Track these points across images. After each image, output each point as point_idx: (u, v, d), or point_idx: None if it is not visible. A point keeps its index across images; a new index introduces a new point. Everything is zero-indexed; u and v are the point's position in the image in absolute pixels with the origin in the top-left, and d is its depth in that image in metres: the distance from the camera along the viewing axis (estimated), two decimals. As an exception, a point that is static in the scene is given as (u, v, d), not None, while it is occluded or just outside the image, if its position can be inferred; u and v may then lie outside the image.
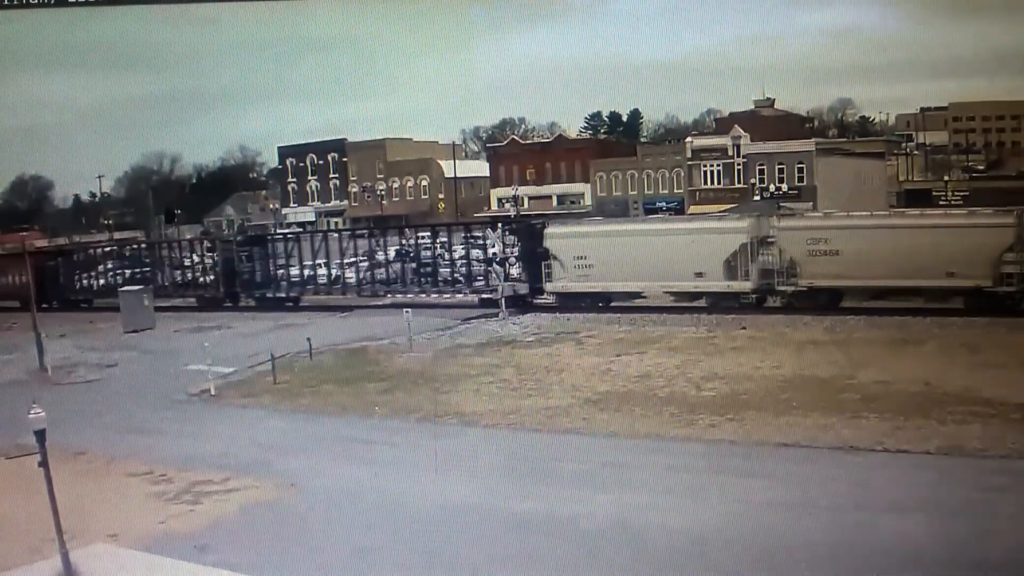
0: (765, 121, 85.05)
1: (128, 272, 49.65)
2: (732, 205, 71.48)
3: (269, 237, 51.42)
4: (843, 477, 16.57)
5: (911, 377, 22.73)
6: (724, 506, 15.51)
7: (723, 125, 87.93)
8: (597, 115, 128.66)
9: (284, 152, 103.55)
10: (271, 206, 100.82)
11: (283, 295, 44.99)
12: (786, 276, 34.40)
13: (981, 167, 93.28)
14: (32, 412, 13.65)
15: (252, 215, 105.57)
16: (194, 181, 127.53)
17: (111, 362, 34.02)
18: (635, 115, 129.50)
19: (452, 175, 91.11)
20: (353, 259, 44.13)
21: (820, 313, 33.01)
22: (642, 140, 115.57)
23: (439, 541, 14.81)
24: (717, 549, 13.86)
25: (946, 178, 78.98)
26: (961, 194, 67.41)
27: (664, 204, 79.67)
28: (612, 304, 37.47)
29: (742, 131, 78.16)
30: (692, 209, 76.21)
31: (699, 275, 35.17)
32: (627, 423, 20.88)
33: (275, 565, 14.25)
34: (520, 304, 38.55)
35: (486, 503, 16.45)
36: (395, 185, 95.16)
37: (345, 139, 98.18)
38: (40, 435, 13.65)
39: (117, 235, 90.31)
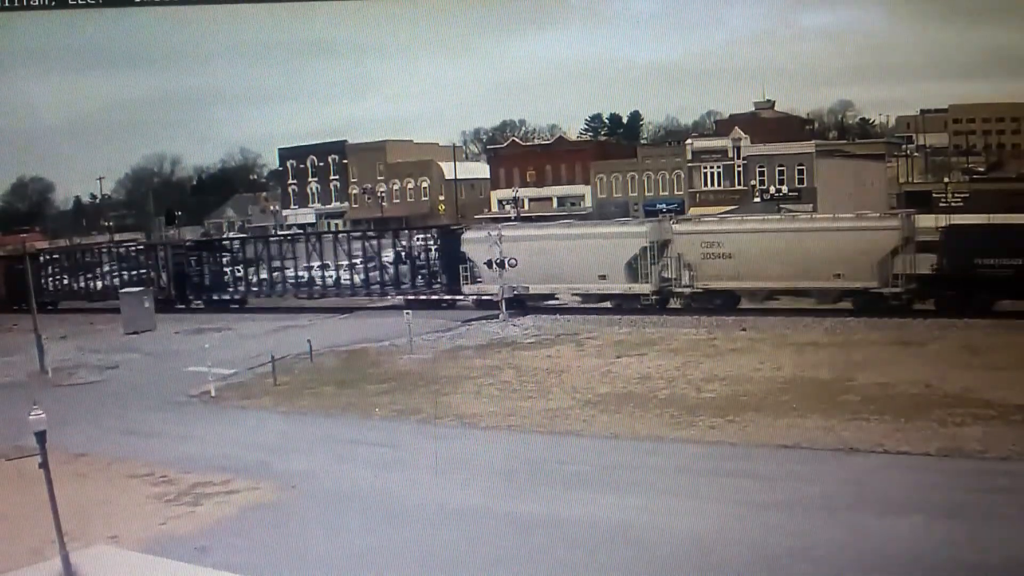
0: (765, 123, 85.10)
1: (89, 276, 51.54)
2: (733, 207, 71.57)
3: (216, 243, 53.42)
4: (844, 479, 16.56)
5: (911, 379, 22.75)
6: (725, 508, 15.50)
7: (723, 127, 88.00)
8: (597, 117, 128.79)
9: (285, 154, 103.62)
10: (272, 208, 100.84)
11: (228, 297, 46.81)
12: (683, 278, 35.94)
13: (981, 169, 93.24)
14: (32, 414, 13.64)
15: (253, 217, 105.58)
16: (195, 183, 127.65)
17: (112, 364, 34.02)
18: (635, 117, 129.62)
19: (452, 177, 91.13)
20: (293, 263, 46.25)
21: (706, 314, 34.52)
22: (642, 142, 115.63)
23: (439, 543, 14.81)
24: (718, 551, 13.86)
25: (946, 180, 78.92)
26: (961, 196, 67.36)
27: (664, 206, 79.65)
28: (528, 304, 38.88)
29: (742, 133, 78.20)
30: (692, 211, 76.25)
31: (603, 278, 36.72)
32: (627, 425, 20.88)
33: (275, 567, 14.23)
34: (436, 305, 40.53)
35: (486, 505, 16.45)
36: (395, 187, 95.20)
37: (346, 141, 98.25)
38: (41, 436, 13.63)
39: (118, 237, 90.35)
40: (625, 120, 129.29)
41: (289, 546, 14.96)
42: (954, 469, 16.62)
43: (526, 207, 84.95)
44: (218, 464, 19.70)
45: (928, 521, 14.31)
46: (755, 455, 18.19)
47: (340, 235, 50.38)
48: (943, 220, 37.02)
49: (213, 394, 27.03)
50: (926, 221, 36.23)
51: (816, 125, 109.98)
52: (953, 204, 62.66)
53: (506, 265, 36.86)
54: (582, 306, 38.01)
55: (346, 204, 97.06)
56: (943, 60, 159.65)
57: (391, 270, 42.91)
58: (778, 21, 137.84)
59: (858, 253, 32.77)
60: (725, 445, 18.98)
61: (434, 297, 41.15)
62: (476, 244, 39.74)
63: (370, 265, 43.49)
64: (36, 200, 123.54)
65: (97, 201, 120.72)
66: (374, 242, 44.97)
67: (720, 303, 35.53)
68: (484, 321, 36.87)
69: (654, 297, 36.77)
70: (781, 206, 64.61)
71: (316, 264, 44.91)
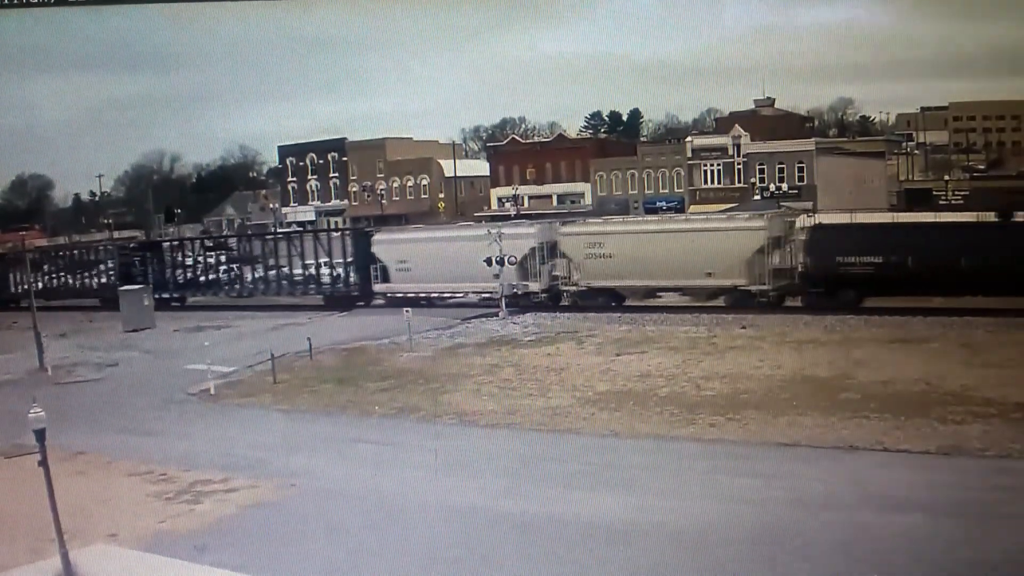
0: (765, 120, 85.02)
1: (47, 275, 53.35)
2: (733, 204, 71.54)
3: (158, 244, 55.51)
4: (843, 476, 16.55)
5: (911, 377, 22.74)
6: (725, 505, 15.49)
7: (723, 124, 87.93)
8: (597, 114, 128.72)
9: (284, 151, 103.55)
10: (271, 205, 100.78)
11: (168, 296, 48.62)
12: (569, 277, 37.92)
13: (982, 167, 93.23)
14: (32, 411, 13.64)
15: (252, 214, 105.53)
16: (194, 180, 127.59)
17: (111, 361, 34.01)
18: (635, 114, 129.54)
19: (452, 174, 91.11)
20: (225, 264, 49.29)
21: (610, 311, 35.92)
22: (642, 139, 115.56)
23: (438, 541, 14.79)
24: (718, 548, 13.85)
25: (946, 178, 78.97)
26: (962, 194, 67.42)
27: (664, 203, 79.67)
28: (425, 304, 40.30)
29: (742, 130, 78.16)
30: (692, 208, 76.24)
31: (496, 276, 37.91)
32: (627, 423, 20.88)
33: (275, 565, 14.23)
34: (350, 304, 42.56)
35: (486, 503, 16.44)
36: (395, 184, 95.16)
37: (345, 138, 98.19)
38: (40, 434, 13.63)
39: (117, 234, 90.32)
40: (625, 117, 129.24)
41: (289, 544, 14.95)
42: (954, 467, 16.62)
43: (526, 205, 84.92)
44: (217, 462, 19.69)
45: (928, 519, 14.30)
46: (755, 453, 18.19)
47: (270, 237, 53.35)
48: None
49: (212, 392, 27.01)
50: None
51: (816, 122, 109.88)
52: (953, 202, 62.72)
53: (413, 266, 40.07)
54: (484, 303, 39.39)
55: (346, 202, 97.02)
56: (944, 57, 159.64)
57: (312, 269, 45.04)
58: (778, 18, 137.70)
59: (727, 252, 34.44)
60: (725, 443, 18.97)
61: (353, 294, 43.20)
62: (384, 246, 42.16)
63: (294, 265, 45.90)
64: (35, 198, 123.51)
65: (97, 199, 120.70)
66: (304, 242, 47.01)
67: (603, 301, 37.38)
68: (484, 319, 36.89)
69: (543, 295, 38.64)
70: (781, 203, 64.61)
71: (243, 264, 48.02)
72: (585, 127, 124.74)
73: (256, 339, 35.44)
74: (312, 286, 44.92)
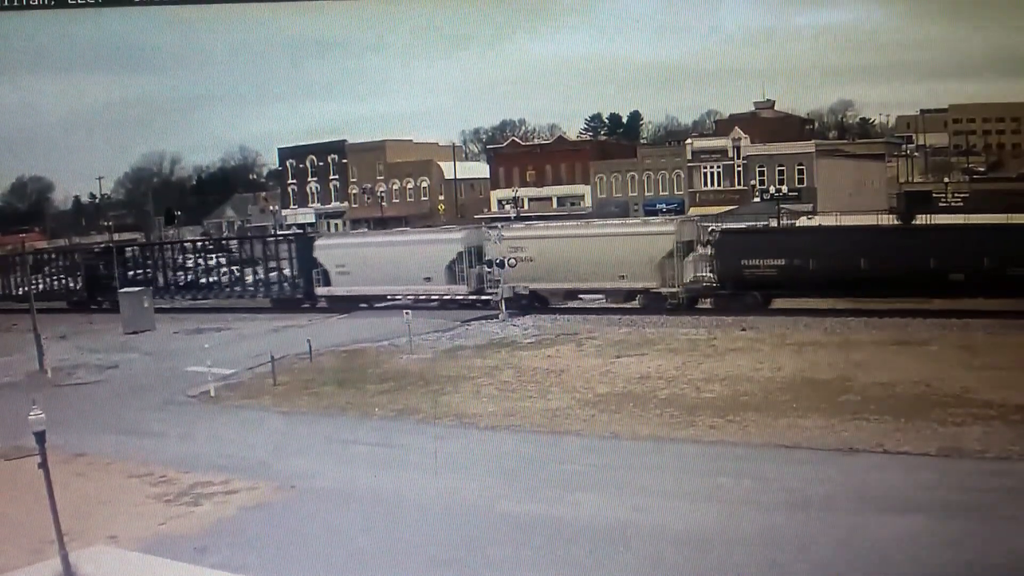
0: (765, 123, 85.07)
1: (15, 278, 53.87)
2: (733, 207, 71.57)
3: (120, 248, 56.62)
4: (844, 479, 16.55)
5: (911, 379, 22.74)
6: (725, 508, 15.49)
7: (723, 127, 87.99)
8: (597, 117, 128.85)
9: (284, 153, 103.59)
10: (271, 208, 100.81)
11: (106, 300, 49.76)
12: (493, 280, 38.87)
13: (981, 169, 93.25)
14: (32, 413, 13.64)
15: (252, 216, 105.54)
16: (194, 182, 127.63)
17: (111, 363, 33.99)
18: (635, 117, 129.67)
19: (452, 177, 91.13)
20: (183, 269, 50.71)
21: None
22: (642, 142, 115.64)
23: (438, 543, 14.79)
24: (718, 551, 13.85)
25: (946, 180, 78.99)
26: (961, 196, 67.43)
27: (664, 206, 79.69)
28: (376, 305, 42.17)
29: (742, 133, 78.20)
30: (692, 211, 76.24)
31: (427, 280, 40.17)
32: (627, 425, 20.87)
33: (275, 567, 14.23)
34: (295, 307, 44.09)
35: (486, 505, 16.44)
36: (395, 187, 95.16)
37: (345, 140, 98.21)
38: (40, 436, 13.63)
39: (117, 237, 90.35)
40: (625, 120, 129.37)
41: (288, 546, 14.95)
42: (954, 469, 16.61)
43: (526, 207, 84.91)
44: (217, 464, 19.68)
45: (928, 521, 14.30)
46: (755, 455, 18.18)
47: (229, 241, 56.29)
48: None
49: (212, 394, 27.01)
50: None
51: (816, 125, 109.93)
52: (953, 204, 62.75)
53: (351, 270, 41.83)
54: (425, 305, 40.72)
55: (345, 204, 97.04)
56: (943, 59, 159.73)
57: (261, 273, 47.08)
58: (778, 20, 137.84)
59: (639, 256, 36.12)
60: (725, 445, 18.97)
61: (298, 297, 44.79)
62: (325, 251, 44.05)
63: (246, 269, 48.11)
64: (36, 200, 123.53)
65: (97, 201, 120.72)
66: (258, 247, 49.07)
67: (527, 303, 38.95)
68: (484, 321, 36.92)
69: (471, 297, 39.99)
70: (781, 206, 64.67)
71: (199, 268, 49.81)
72: (585, 129, 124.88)
73: (256, 341, 35.44)
74: (262, 289, 46.68)
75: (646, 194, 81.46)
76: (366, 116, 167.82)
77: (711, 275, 36.14)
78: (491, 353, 30.67)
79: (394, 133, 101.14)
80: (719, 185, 78.12)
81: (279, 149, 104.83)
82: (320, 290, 43.75)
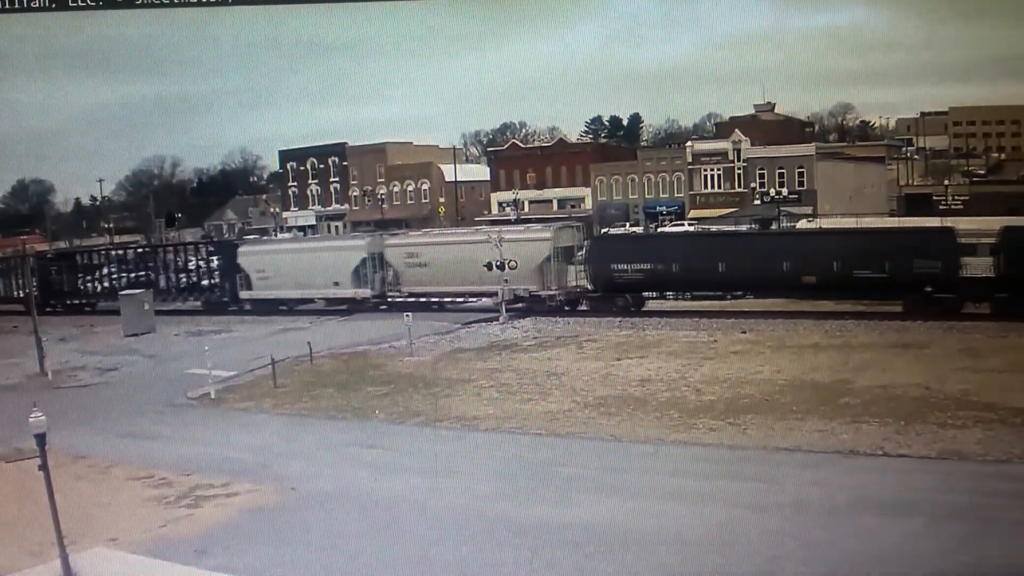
0: (765, 125, 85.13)
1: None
2: (733, 209, 71.61)
3: (71, 254, 58.58)
4: (844, 481, 16.55)
5: (911, 381, 22.74)
6: (725, 510, 15.49)
7: (723, 129, 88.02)
8: (597, 119, 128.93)
9: (285, 156, 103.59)
10: (272, 210, 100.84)
11: (79, 302, 51.74)
12: (393, 284, 41.95)
13: (981, 172, 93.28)
14: (32, 416, 13.65)
15: (252, 219, 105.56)
16: (195, 185, 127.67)
17: (112, 366, 34.00)
18: (635, 119, 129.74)
19: (453, 179, 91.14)
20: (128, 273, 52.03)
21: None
22: (642, 144, 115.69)
23: (438, 544, 14.79)
24: (718, 553, 13.85)
25: (946, 182, 79.00)
26: (961, 199, 67.45)
27: (664, 208, 79.70)
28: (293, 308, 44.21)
29: (742, 135, 78.21)
30: (692, 213, 76.28)
31: (336, 284, 42.54)
32: (628, 427, 20.87)
33: (275, 569, 14.23)
34: (223, 309, 45.77)
35: (486, 507, 16.43)
36: (396, 189, 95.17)
37: (346, 143, 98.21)
38: (40, 439, 13.65)
39: (118, 239, 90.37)
40: (625, 122, 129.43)
41: (289, 548, 14.95)
42: (955, 471, 16.61)
43: (526, 209, 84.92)
44: (218, 466, 19.68)
45: (928, 523, 14.30)
46: (755, 458, 18.18)
47: (168, 247, 57.36)
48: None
49: (213, 396, 27.00)
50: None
51: (816, 127, 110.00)
52: (953, 207, 62.78)
53: (270, 275, 44.18)
54: (336, 308, 43.07)
55: (346, 206, 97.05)
56: (944, 62, 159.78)
57: (195, 277, 49.08)
58: (779, 23, 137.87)
59: (520, 261, 38.16)
60: (725, 448, 18.97)
61: (224, 300, 46.49)
62: (247, 257, 46.12)
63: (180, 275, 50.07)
64: (36, 202, 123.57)
65: (97, 203, 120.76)
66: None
67: (425, 306, 40.60)
68: (484, 323, 36.94)
69: (374, 300, 42.18)
70: (781, 208, 64.69)
71: (141, 274, 51.37)
72: (585, 132, 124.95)
73: (256, 344, 35.44)
74: (195, 293, 48.59)
75: (646, 197, 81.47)
76: (366, 119, 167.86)
77: (583, 278, 38.25)
78: (491, 355, 30.67)
79: (395, 136, 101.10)
80: (719, 188, 78.09)
81: (280, 151, 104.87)
82: (244, 294, 45.77)
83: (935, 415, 19.78)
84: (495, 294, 38.77)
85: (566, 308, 37.99)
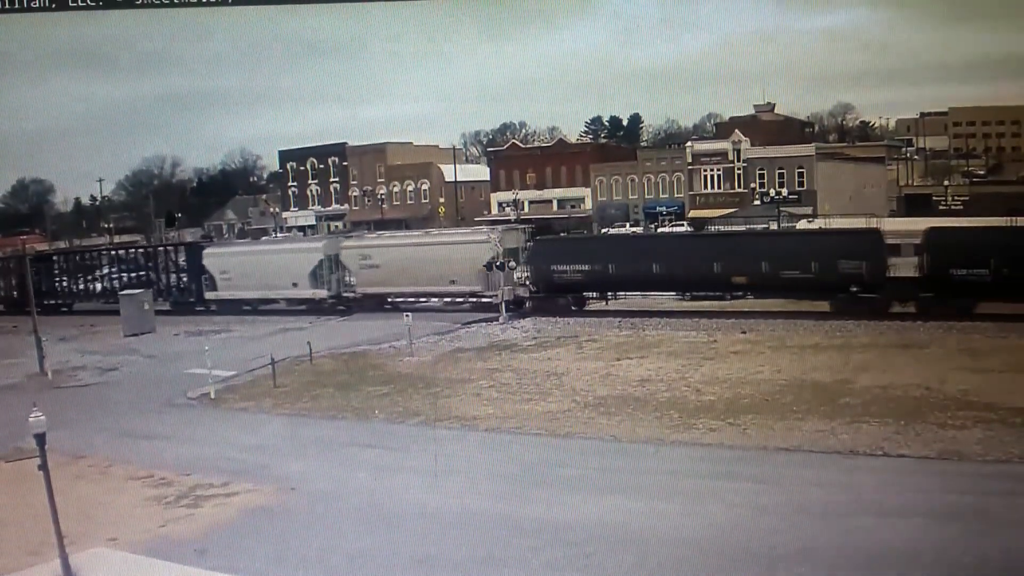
0: (765, 126, 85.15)
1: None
2: (733, 209, 71.61)
3: (49, 256, 59.77)
4: (843, 481, 16.55)
5: (911, 382, 22.74)
6: (725, 510, 15.49)
7: (723, 129, 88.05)
8: (597, 119, 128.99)
9: (285, 156, 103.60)
10: (272, 210, 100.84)
11: (55, 302, 52.88)
12: (348, 285, 43.45)
13: (981, 172, 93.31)
14: (32, 416, 13.64)
15: (252, 219, 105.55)
16: (195, 185, 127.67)
17: (112, 366, 34.00)
18: (635, 119, 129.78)
19: (452, 179, 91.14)
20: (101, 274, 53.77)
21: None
22: (642, 144, 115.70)
23: (438, 546, 14.79)
24: (718, 553, 13.85)
25: (946, 183, 79.04)
26: (961, 199, 67.49)
27: (664, 208, 79.70)
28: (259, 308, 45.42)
29: (742, 136, 78.21)
30: (692, 213, 76.30)
31: (295, 285, 44.14)
32: (627, 427, 20.87)
33: (275, 569, 14.23)
34: (190, 309, 46.99)
35: (486, 507, 16.43)
36: (395, 189, 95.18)
37: (346, 143, 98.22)
38: (40, 439, 13.64)
39: (118, 239, 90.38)
40: (625, 123, 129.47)
41: (288, 548, 14.95)
42: (954, 472, 16.61)
43: (526, 209, 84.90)
44: (217, 466, 19.68)
45: (928, 524, 14.30)
46: (755, 458, 18.18)
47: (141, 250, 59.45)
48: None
49: (213, 396, 27.00)
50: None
51: (816, 128, 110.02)
52: (953, 207, 62.80)
53: (232, 276, 45.79)
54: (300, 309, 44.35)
55: (346, 206, 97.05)
56: (944, 62, 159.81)
57: (164, 279, 50.37)
58: (779, 23, 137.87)
59: (465, 263, 39.77)
60: (725, 448, 18.97)
61: (190, 300, 47.88)
62: (211, 259, 47.69)
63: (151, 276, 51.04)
64: (36, 202, 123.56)
65: (97, 203, 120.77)
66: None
67: (377, 306, 42.14)
68: (484, 323, 36.95)
69: (331, 300, 43.63)
70: (781, 209, 64.69)
71: (114, 276, 52.91)
72: (585, 132, 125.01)
73: (256, 343, 35.45)
74: (163, 294, 49.52)
75: (646, 197, 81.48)
76: (366, 119, 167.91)
77: (525, 280, 39.76)
78: (491, 355, 30.67)
79: (395, 136, 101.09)
80: (719, 188, 78.10)
81: (280, 152, 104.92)
82: (209, 294, 47.29)
83: (935, 415, 19.78)
84: (450, 295, 40.58)
85: (511, 308, 38.61)
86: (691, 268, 36.13)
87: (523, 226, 47.52)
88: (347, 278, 43.56)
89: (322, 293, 43.83)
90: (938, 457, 17.40)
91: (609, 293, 38.82)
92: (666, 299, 39.32)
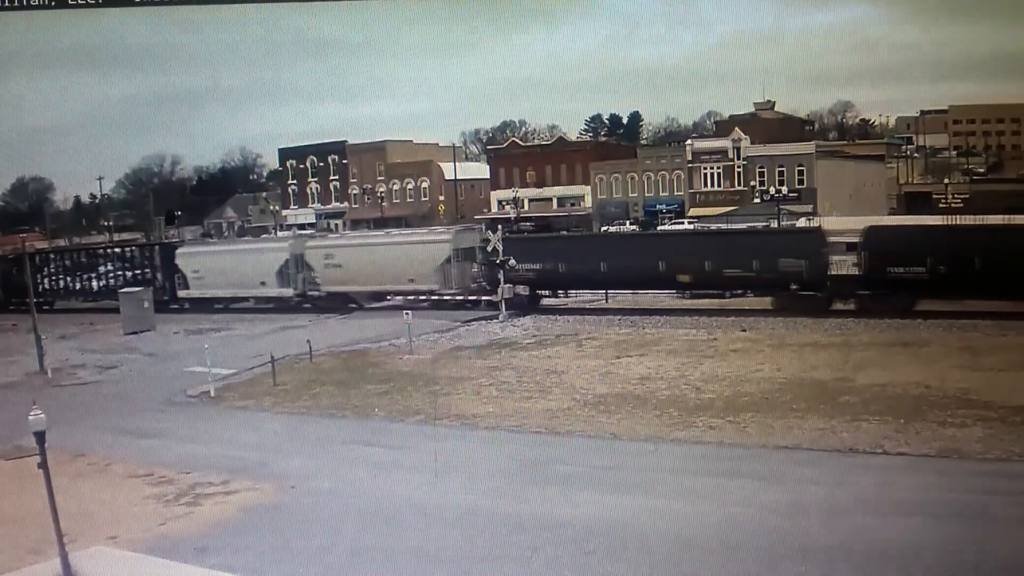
0: (765, 123, 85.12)
1: None
2: (733, 208, 71.61)
3: (34, 255, 59.87)
4: (843, 479, 16.55)
5: (911, 380, 22.73)
6: (725, 509, 15.49)
7: (723, 128, 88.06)
8: (597, 117, 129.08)
9: (285, 154, 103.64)
10: (272, 208, 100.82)
11: (38, 300, 52.44)
12: (313, 284, 44.65)
13: (981, 170, 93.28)
14: (32, 414, 13.63)
15: (252, 217, 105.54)
16: (195, 183, 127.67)
17: (111, 364, 34.00)
18: (635, 117, 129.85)
19: (452, 177, 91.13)
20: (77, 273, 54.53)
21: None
22: (642, 142, 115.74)
23: (438, 544, 14.79)
24: (718, 552, 13.84)
25: (946, 181, 79.02)
26: (961, 197, 67.45)
27: (664, 206, 79.69)
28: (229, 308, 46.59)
29: (742, 134, 78.20)
30: (692, 212, 76.29)
31: (262, 284, 45.57)
32: (627, 425, 20.86)
33: (274, 567, 14.22)
34: (163, 307, 46.89)
35: (486, 505, 16.43)
36: (395, 187, 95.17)
37: (345, 141, 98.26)
38: (40, 437, 13.62)
39: (118, 237, 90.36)
40: (625, 121, 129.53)
41: (288, 546, 14.94)
42: (954, 470, 16.60)
43: (526, 207, 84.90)
44: (217, 464, 19.66)
45: (928, 522, 14.29)
46: (755, 456, 18.17)
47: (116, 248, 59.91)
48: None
49: (212, 394, 27.00)
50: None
51: (816, 126, 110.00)
52: (953, 205, 62.76)
53: (204, 275, 47.03)
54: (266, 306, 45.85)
55: (346, 204, 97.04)
56: (944, 60, 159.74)
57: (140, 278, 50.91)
58: (779, 21, 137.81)
59: (422, 262, 41.20)
60: (725, 446, 18.96)
61: (165, 299, 48.46)
62: (184, 258, 49.05)
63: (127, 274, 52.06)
64: (36, 200, 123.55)
65: (97, 201, 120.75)
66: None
67: (341, 304, 43.36)
68: (484, 321, 36.95)
69: (297, 299, 44.93)
70: (781, 207, 64.68)
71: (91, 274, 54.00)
72: (585, 130, 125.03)
73: (256, 342, 35.46)
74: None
75: (646, 195, 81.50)
76: (366, 116, 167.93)
77: (479, 277, 40.92)
78: (491, 353, 30.67)
79: (395, 134, 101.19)
80: (719, 186, 78.13)
81: (279, 149, 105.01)
82: (182, 293, 48.62)
83: (935, 413, 19.77)
84: (409, 293, 41.78)
85: (468, 305, 39.40)
86: (637, 267, 37.17)
87: (477, 226, 49.19)
88: (313, 277, 44.77)
89: (288, 292, 45.10)
90: (938, 455, 17.38)
91: (560, 291, 40.02)
92: (665, 297, 39.44)
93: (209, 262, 47.89)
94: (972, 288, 30.95)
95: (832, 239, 35.00)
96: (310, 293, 44.78)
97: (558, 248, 41.49)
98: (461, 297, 40.49)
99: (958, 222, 42.77)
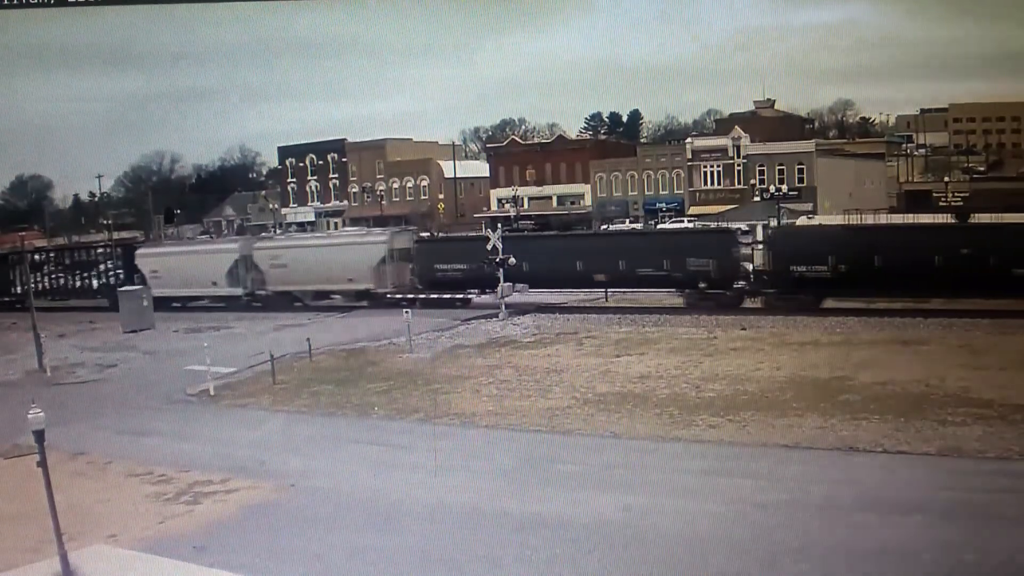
0: (765, 122, 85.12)
1: None
2: (733, 206, 71.58)
3: (7, 256, 60.70)
4: (843, 478, 16.54)
5: (911, 378, 22.72)
6: (724, 507, 15.48)
7: (723, 126, 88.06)
8: (597, 116, 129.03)
9: (284, 152, 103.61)
10: (271, 206, 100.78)
11: (11, 299, 54.31)
12: (261, 283, 46.31)
13: (982, 168, 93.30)
14: (31, 412, 13.61)
15: (251, 215, 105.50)
16: (194, 181, 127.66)
17: (110, 362, 33.97)
18: (635, 116, 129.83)
19: (452, 175, 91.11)
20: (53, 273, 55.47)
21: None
22: (642, 141, 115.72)
23: (437, 543, 14.77)
24: (717, 551, 13.83)
25: (946, 179, 79.00)
26: (961, 195, 67.45)
27: (664, 205, 79.66)
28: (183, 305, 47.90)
29: (742, 132, 78.18)
30: (692, 210, 76.27)
31: (214, 283, 47.24)
32: (627, 424, 20.85)
33: (274, 566, 14.21)
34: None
35: (485, 504, 16.42)
36: (395, 185, 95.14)
37: (345, 139, 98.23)
38: (39, 435, 13.60)
39: (117, 235, 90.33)
40: (625, 119, 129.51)
41: (288, 545, 14.94)
42: (954, 469, 16.59)
43: (526, 206, 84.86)
44: (217, 463, 19.65)
45: (928, 521, 14.28)
46: (754, 454, 18.16)
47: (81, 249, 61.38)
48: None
49: (212, 393, 26.97)
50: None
51: (816, 124, 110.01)
52: (953, 203, 62.77)
53: (161, 275, 48.14)
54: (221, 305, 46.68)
55: (345, 203, 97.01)
56: (944, 58, 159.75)
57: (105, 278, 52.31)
58: (779, 19, 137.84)
59: (360, 262, 43.05)
60: (724, 444, 18.95)
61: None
62: (143, 259, 50.28)
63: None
64: (35, 198, 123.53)
65: (96, 199, 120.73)
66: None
67: (287, 303, 44.96)
68: (484, 320, 36.95)
69: (246, 298, 46.40)
70: (781, 205, 64.69)
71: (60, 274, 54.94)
72: (585, 128, 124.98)
73: (256, 340, 35.44)
74: (102, 291, 51.47)
75: (646, 193, 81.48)
76: (366, 115, 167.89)
77: (412, 277, 42.94)
78: (491, 352, 30.66)
79: (394, 132, 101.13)
80: (719, 184, 78.13)
81: (279, 148, 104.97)
82: None
83: (935, 412, 19.76)
84: (349, 292, 43.16)
85: (404, 304, 39.35)
86: (556, 266, 39.16)
87: (412, 228, 51.93)
88: (261, 277, 46.31)
89: (238, 291, 46.71)
90: (938, 453, 17.37)
91: (487, 289, 40.57)
92: (664, 296, 39.46)
93: (165, 263, 49.32)
94: (873, 286, 32.51)
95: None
96: (258, 292, 46.30)
97: (483, 248, 40.37)
98: (398, 296, 41.19)
99: (860, 222, 44.70)
